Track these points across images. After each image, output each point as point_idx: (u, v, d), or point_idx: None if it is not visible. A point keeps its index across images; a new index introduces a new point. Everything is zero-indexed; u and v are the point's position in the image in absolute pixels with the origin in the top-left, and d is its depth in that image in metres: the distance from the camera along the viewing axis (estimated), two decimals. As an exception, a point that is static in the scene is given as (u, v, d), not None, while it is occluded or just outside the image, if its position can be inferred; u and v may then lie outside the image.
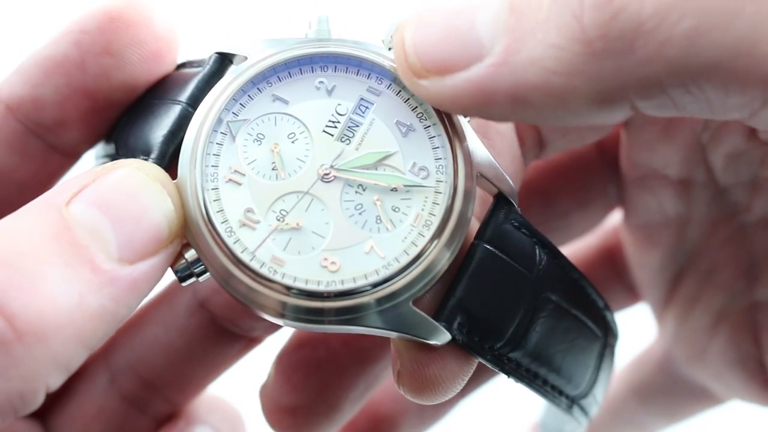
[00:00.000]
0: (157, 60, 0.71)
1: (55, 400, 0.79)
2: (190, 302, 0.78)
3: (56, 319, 0.57)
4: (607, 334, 0.74)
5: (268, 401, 0.79)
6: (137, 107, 0.71)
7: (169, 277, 0.65)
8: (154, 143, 0.67)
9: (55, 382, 0.59)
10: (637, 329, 0.95)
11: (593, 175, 0.86)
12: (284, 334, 0.81)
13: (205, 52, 0.70)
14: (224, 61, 0.68)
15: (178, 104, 0.67)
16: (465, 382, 0.67)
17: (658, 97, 0.56)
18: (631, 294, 0.91)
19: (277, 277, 0.63)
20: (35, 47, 0.71)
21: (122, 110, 0.72)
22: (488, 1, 0.60)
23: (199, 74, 0.68)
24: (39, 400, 0.59)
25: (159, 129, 0.67)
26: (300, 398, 0.78)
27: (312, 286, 0.63)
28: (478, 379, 0.88)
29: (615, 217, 0.90)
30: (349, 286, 0.63)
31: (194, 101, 0.67)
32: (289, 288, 0.63)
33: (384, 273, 0.63)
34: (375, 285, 0.63)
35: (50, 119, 0.71)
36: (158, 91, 0.71)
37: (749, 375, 0.83)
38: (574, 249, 0.92)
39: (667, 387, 0.92)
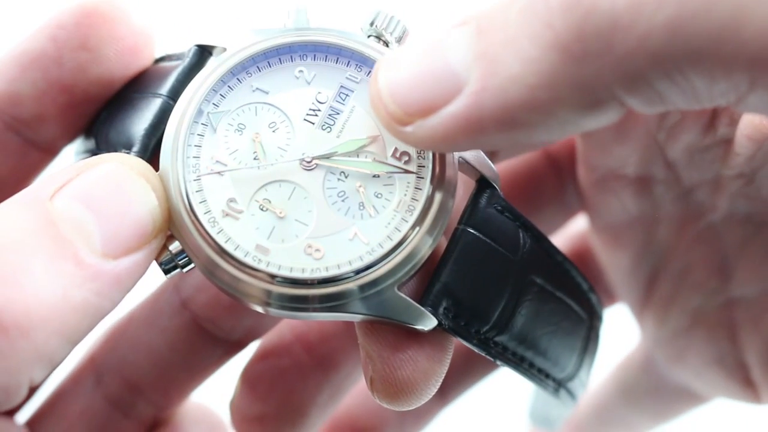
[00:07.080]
0: (134, 55, 0.70)
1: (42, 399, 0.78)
2: (173, 303, 0.78)
3: (40, 312, 0.57)
4: (592, 317, 0.74)
5: (236, 413, 0.79)
6: (117, 102, 0.71)
7: (160, 277, 0.65)
8: (135, 137, 0.66)
9: (39, 376, 0.59)
10: (624, 330, 0.94)
11: (544, 181, 0.85)
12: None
13: (182, 46, 0.70)
14: (204, 53, 0.68)
15: (159, 97, 0.67)
16: (439, 383, 0.66)
17: (644, 91, 0.54)
18: (608, 296, 0.90)
19: (262, 266, 0.63)
20: (11, 43, 0.71)
21: (100, 105, 0.72)
22: (455, 31, 0.58)
23: (179, 67, 0.68)
24: (22, 393, 0.59)
25: (140, 122, 0.67)
26: (266, 407, 0.77)
27: (296, 274, 0.63)
28: (457, 388, 0.87)
29: (582, 222, 0.89)
30: (333, 272, 0.63)
31: (175, 94, 0.67)
32: (273, 276, 0.63)
33: (368, 259, 0.63)
34: (358, 271, 0.63)
35: (27, 114, 0.71)
36: (138, 85, 0.70)
37: (728, 373, 0.82)
38: None
39: (652, 388, 0.91)
